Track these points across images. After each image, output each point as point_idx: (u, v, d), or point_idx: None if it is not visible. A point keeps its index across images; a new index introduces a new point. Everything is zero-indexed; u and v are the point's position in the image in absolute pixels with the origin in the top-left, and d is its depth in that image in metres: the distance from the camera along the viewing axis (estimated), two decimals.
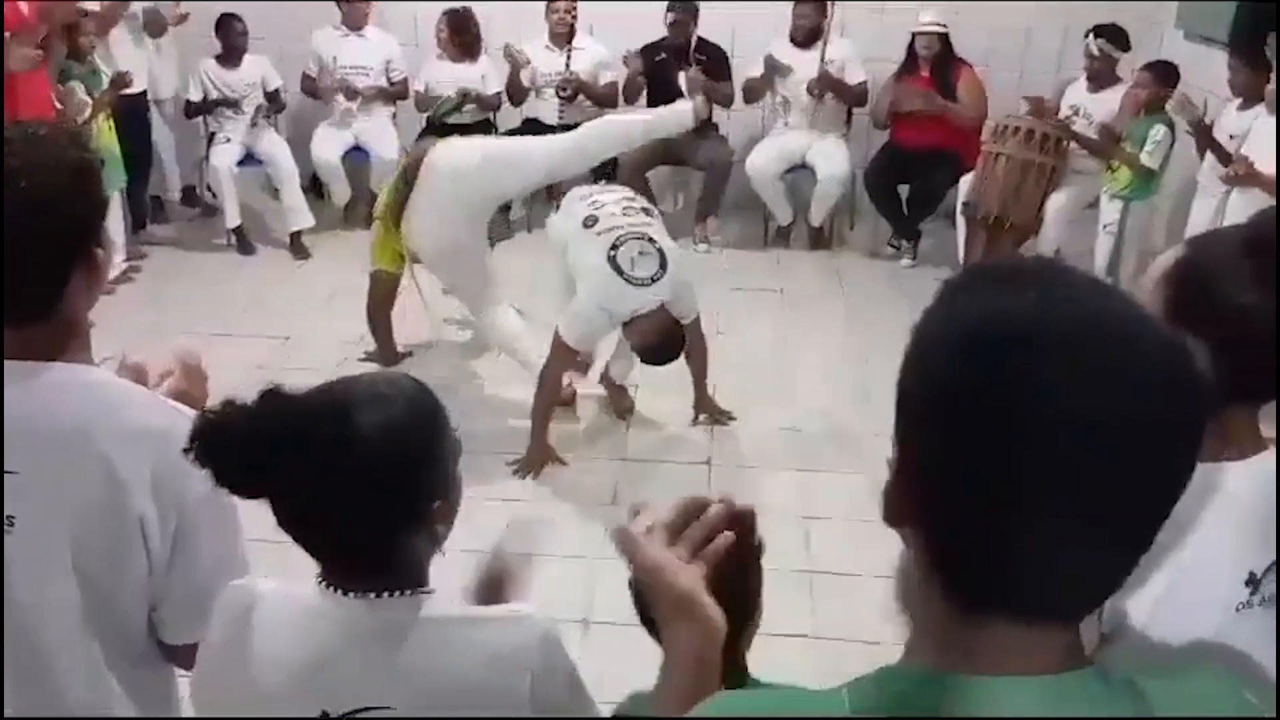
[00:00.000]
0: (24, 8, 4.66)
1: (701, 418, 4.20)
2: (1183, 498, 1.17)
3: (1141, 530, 0.73)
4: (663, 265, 3.61)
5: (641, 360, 3.83)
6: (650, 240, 3.66)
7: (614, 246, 3.61)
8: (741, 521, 1.01)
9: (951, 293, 0.76)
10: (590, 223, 3.74)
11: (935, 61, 5.86)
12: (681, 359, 3.85)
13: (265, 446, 1.12)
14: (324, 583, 1.23)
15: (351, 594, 1.21)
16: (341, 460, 1.15)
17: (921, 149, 5.87)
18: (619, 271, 3.57)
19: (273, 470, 1.14)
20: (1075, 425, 0.68)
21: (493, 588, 1.52)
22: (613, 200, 3.87)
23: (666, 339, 3.68)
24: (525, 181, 4.33)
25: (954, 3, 5.94)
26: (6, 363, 1.29)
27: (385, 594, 1.21)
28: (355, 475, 1.15)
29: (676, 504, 1.02)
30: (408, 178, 4.01)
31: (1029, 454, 0.68)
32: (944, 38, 5.86)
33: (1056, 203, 5.32)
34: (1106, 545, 0.72)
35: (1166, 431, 0.70)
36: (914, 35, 5.90)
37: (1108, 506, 0.70)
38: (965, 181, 5.47)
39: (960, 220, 5.52)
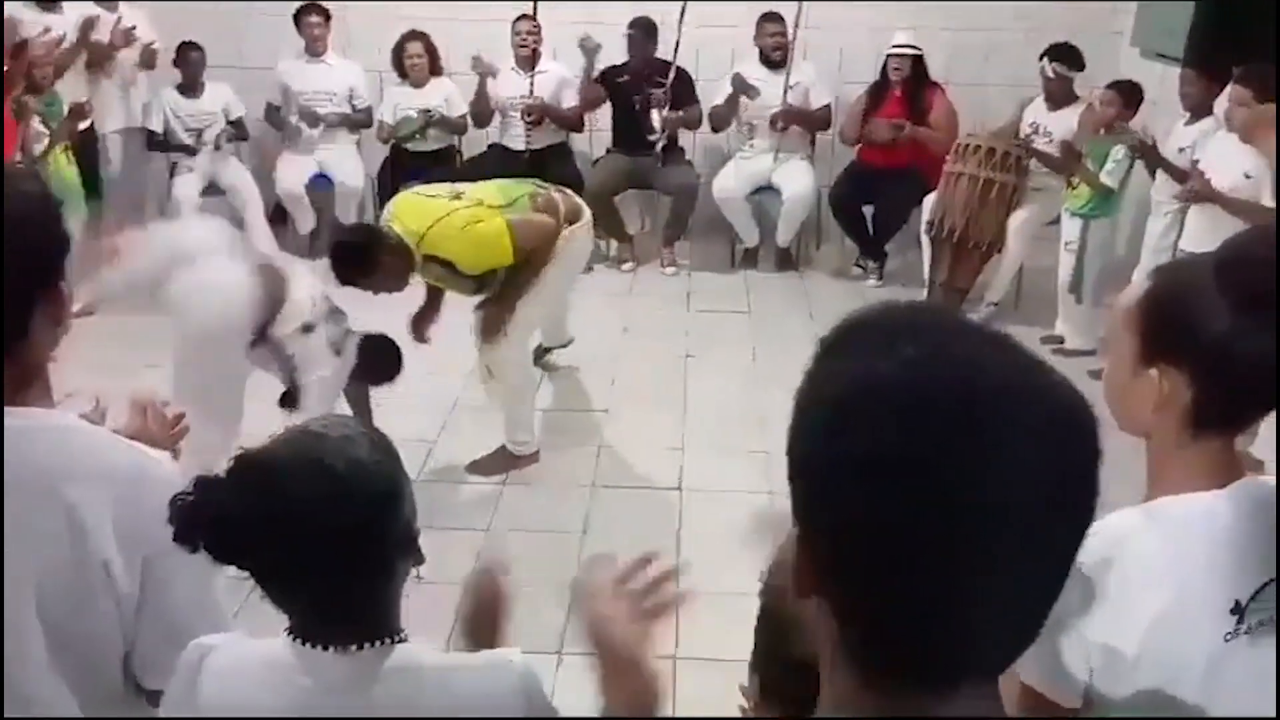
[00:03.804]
0: None
1: None
2: (1164, 528, 1.18)
3: (1045, 582, 0.71)
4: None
5: None
6: None
7: None
8: None
9: (827, 353, 0.74)
10: None
11: (907, 83, 5.91)
12: None
13: (245, 527, 1.12)
14: (295, 637, 1.21)
15: (324, 648, 1.19)
16: (319, 526, 1.14)
17: (886, 169, 5.92)
18: None
19: (254, 546, 1.14)
20: (962, 485, 0.65)
21: (481, 617, 1.47)
22: None
23: None
24: None
25: (912, 10, 5.99)
26: None
27: (360, 645, 1.20)
28: (332, 538, 1.15)
29: (632, 561, 1.01)
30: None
31: (918, 519, 0.66)
32: (916, 60, 5.91)
33: (1018, 220, 5.37)
34: (1009, 602, 0.70)
35: (1058, 480, 0.68)
36: (886, 57, 5.95)
37: (1006, 564, 0.67)
38: (929, 201, 5.52)
39: (925, 240, 5.56)
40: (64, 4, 5.61)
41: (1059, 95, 5.49)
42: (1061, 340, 5.13)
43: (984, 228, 5.29)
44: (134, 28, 5.81)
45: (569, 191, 4.08)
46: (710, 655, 2.74)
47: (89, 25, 5.53)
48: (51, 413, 1.33)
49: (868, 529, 0.68)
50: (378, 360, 3.75)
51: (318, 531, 1.14)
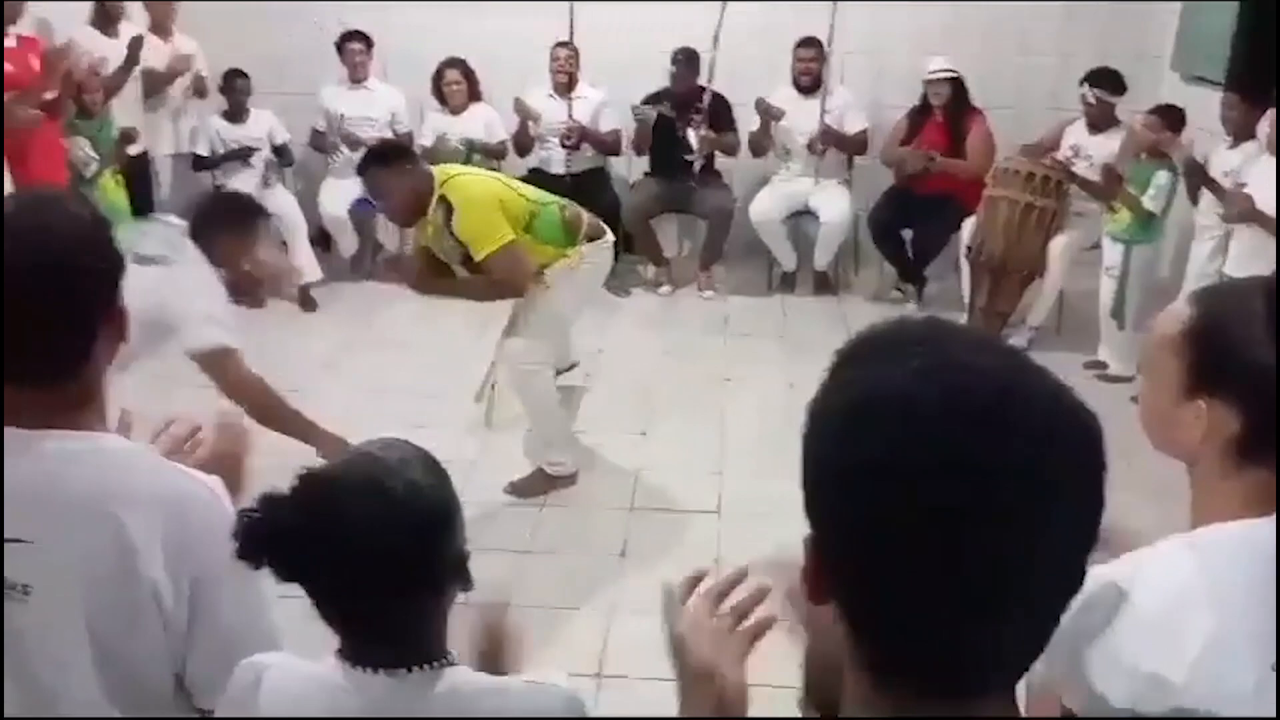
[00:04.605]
0: (34, 62, 4.72)
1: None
2: (1210, 557, 1.17)
3: (1054, 591, 0.72)
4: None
5: None
6: None
7: None
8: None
9: (842, 364, 0.75)
10: None
11: (948, 108, 5.91)
12: None
13: (305, 546, 1.15)
14: (345, 659, 1.22)
15: (374, 670, 1.21)
16: (377, 546, 1.16)
17: (925, 193, 5.90)
18: None
19: (313, 565, 1.16)
20: (971, 492, 0.66)
21: (490, 652, 1.49)
22: None
23: None
24: None
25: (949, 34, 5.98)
26: (21, 431, 1.29)
27: (409, 668, 1.21)
28: (389, 558, 1.17)
29: (729, 574, 1.01)
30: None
31: (929, 527, 0.67)
32: (956, 83, 5.91)
33: (1059, 245, 5.33)
34: (1018, 609, 0.70)
35: (1065, 490, 0.69)
36: (925, 83, 5.95)
37: (1014, 571, 0.68)
38: (969, 225, 5.50)
39: (964, 264, 5.54)
40: (120, 27, 5.72)
41: (1100, 120, 5.46)
42: (1104, 365, 5.08)
43: (1024, 252, 5.26)
44: (192, 56, 5.97)
45: (593, 215, 4.12)
46: (750, 680, 2.73)
47: (137, 45, 5.64)
48: (104, 435, 1.35)
49: (878, 534, 0.69)
50: (227, 217, 3.27)
51: (376, 552, 1.15)
